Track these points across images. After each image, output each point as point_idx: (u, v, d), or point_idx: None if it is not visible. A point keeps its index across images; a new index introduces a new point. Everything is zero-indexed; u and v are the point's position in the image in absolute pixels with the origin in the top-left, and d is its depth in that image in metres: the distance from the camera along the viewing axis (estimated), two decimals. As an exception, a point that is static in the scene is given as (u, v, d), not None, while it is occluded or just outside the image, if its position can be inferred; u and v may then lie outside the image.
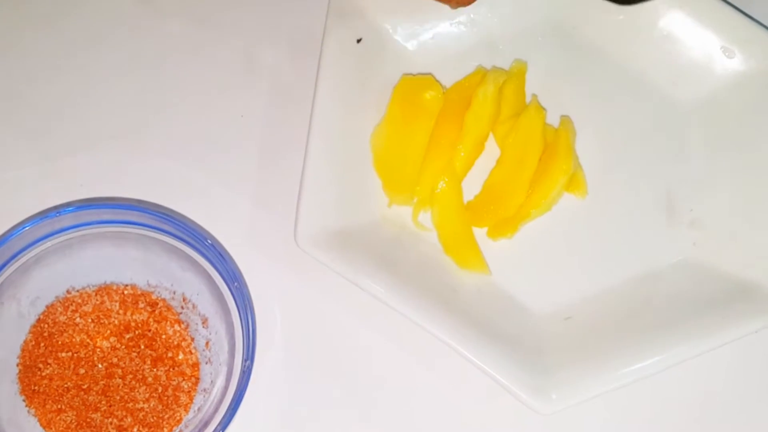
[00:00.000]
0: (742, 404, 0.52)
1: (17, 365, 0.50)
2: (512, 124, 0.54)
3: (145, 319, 0.51)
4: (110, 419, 0.49)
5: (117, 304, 0.52)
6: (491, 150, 0.55)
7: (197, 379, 0.51)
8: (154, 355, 0.51)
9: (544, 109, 0.55)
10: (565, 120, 0.55)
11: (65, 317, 0.51)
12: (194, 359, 0.51)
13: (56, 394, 0.50)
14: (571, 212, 0.55)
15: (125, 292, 0.52)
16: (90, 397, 0.50)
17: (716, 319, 0.50)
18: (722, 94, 0.55)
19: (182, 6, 0.59)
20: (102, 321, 0.51)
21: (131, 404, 0.49)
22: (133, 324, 0.51)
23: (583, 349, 0.50)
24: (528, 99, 0.56)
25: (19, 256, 0.49)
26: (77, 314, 0.51)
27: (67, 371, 0.50)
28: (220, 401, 0.47)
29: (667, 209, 0.55)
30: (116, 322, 0.51)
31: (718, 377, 0.52)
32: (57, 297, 0.52)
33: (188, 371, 0.51)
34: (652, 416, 0.52)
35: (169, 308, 0.52)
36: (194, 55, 0.58)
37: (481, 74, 0.55)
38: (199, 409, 0.50)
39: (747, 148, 0.54)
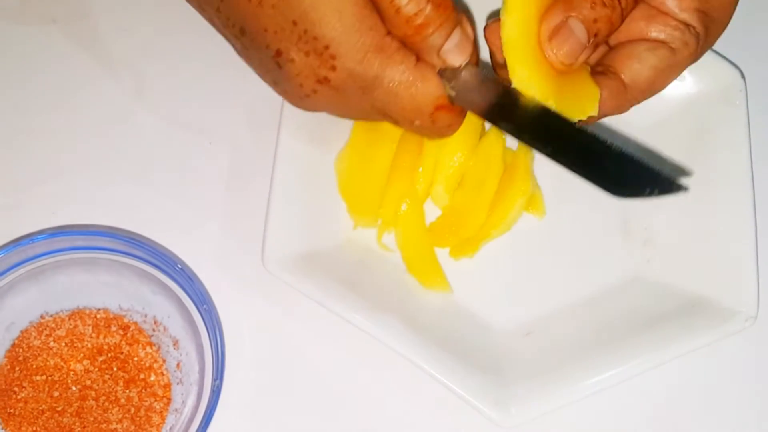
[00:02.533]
0: (697, 414, 0.53)
1: (-7, 389, 0.51)
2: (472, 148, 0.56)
3: (117, 342, 0.52)
4: (84, 440, 0.50)
5: (90, 327, 0.52)
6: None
7: (169, 399, 0.51)
8: (127, 376, 0.51)
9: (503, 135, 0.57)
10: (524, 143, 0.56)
11: (39, 341, 0.52)
12: (166, 380, 0.52)
13: (31, 416, 0.50)
14: (530, 232, 0.56)
15: (98, 316, 0.53)
16: (64, 419, 0.50)
17: (670, 333, 0.51)
18: (673, 116, 0.56)
19: (151, 37, 0.60)
20: (75, 345, 0.52)
21: (105, 425, 0.50)
22: (105, 347, 0.52)
23: (542, 364, 0.51)
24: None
25: (-7, 282, 0.49)
26: (51, 338, 0.52)
27: (41, 394, 0.51)
28: (191, 420, 0.48)
29: (622, 228, 0.56)
30: (89, 345, 0.52)
31: (674, 388, 0.54)
32: (31, 322, 0.52)
33: (160, 392, 0.51)
34: (611, 428, 0.53)
35: (140, 331, 0.53)
36: (163, 85, 0.59)
37: (440, 100, 0.56)
38: (171, 428, 0.50)
39: (697, 167, 0.55)
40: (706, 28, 0.47)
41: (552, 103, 0.43)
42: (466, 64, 0.44)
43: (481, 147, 0.55)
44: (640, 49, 0.47)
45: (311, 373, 0.53)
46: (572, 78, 0.46)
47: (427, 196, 0.56)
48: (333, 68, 0.43)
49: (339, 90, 0.44)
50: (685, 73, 0.55)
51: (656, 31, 0.47)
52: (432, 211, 0.56)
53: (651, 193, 0.43)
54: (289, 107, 0.53)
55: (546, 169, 0.56)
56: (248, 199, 0.56)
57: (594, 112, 0.46)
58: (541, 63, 0.44)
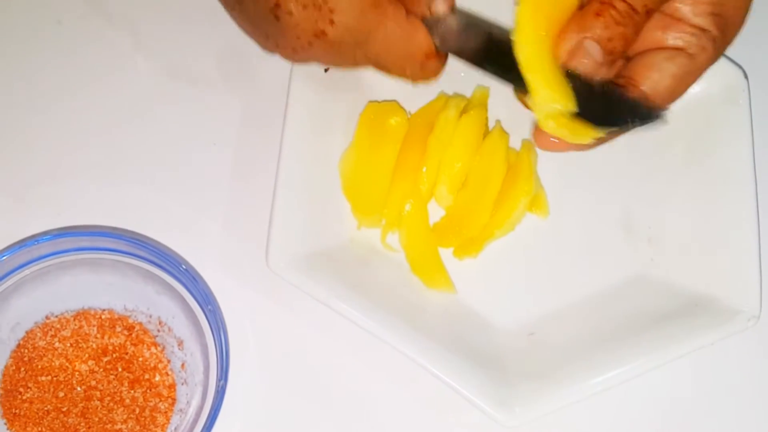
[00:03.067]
0: (700, 413, 0.54)
1: (-2, 390, 0.51)
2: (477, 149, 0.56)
3: (122, 342, 0.52)
4: (89, 440, 0.50)
5: (95, 328, 0.52)
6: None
7: (173, 399, 0.51)
8: (132, 377, 0.51)
9: (507, 133, 0.57)
10: (527, 143, 0.56)
11: (44, 342, 0.52)
12: (170, 380, 0.52)
13: (37, 417, 0.50)
14: (534, 232, 0.56)
15: (103, 316, 0.53)
16: (69, 420, 0.50)
17: (673, 333, 0.51)
18: (676, 116, 0.56)
19: (155, 39, 0.60)
20: (80, 345, 0.52)
21: (110, 426, 0.50)
22: (110, 347, 0.52)
23: (545, 364, 0.52)
24: (492, 124, 0.57)
25: (-2, 283, 0.49)
26: (56, 339, 0.52)
27: (47, 394, 0.51)
28: (196, 420, 0.48)
29: (625, 227, 0.56)
30: (94, 345, 0.52)
31: (677, 388, 0.54)
32: (36, 323, 0.52)
33: (165, 392, 0.51)
34: (614, 427, 0.53)
35: (145, 331, 0.53)
36: (167, 86, 0.59)
37: (444, 100, 0.56)
38: (175, 429, 0.50)
39: (700, 167, 0.55)
40: (722, 31, 0.48)
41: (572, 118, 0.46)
42: (448, 14, 0.48)
43: (484, 147, 0.55)
44: (659, 58, 0.47)
45: (315, 372, 0.53)
46: None
47: (431, 196, 0.56)
48: (331, 22, 0.45)
49: (334, 44, 0.47)
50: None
51: (673, 39, 0.47)
52: (436, 212, 0.56)
53: (633, 123, 0.46)
54: (293, 108, 0.54)
55: (549, 170, 0.56)
56: (252, 199, 0.56)
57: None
58: (560, 80, 0.46)
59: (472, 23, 0.49)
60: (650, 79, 0.47)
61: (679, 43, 0.47)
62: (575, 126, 0.47)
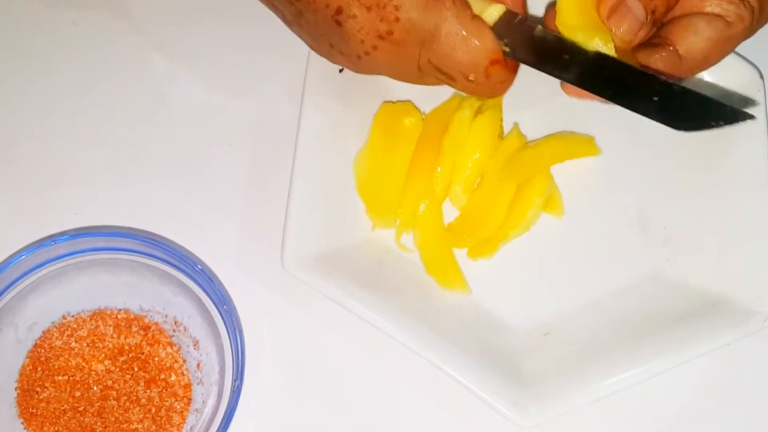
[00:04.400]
0: (717, 414, 0.53)
1: (15, 389, 0.51)
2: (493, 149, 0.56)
3: (138, 342, 0.52)
4: (106, 440, 0.51)
5: (111, 328, 0.53)
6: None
7: (189, 399, 0.52)
8: (148, 377, 0.52)
9: (524, 135, 0.57)
10: (541, 144, 0.57)
11: (61, 342, 0.52)
12: (186, 380, 0.52)
13: (53, 416, 0.51)
14: (549, 232, 0.56)
15: (119, 316, 0.53)
16: (86, 419, 0.51)
17: (689, 333, 0.51)
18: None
19: (171, 39, 0.61)
20: (97, 345, 0.52)
21: (126, 425, 0.50)
22: (126, 347, 0.52)
23: (561, 364, 0.51)
24: (510, 125, 0.57)
25: (16, 283, 0.50)
26: (73, 339, 0.52)
27: (63, 394, 0.51)
28: (212, 420, 0.48)
29: (641, 227, 0.56)
30: (110, 345, 0.52)
31: (693, 388, 0.54)
32: (53, 322, 0.53)
33: (180, 392, 0.52)
34: (627, 428, 0.53)
35: (161, 331, 0.53)
36: (183, 87, 0.59)
37: (458, 100, 0.56)
38: (191, 428, 0.51)
39: (715, 167, 0.55)
40: (761, 3, 0.48)
41: None
42: (519, 19, 0.47)
43: (500, 148, 0.55)
44: (696, 21, 0.47)
45: (330, 372, 0.53)
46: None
47: (446, 196, 0.56)
48: (397, 20, 0.45)
49: (399, 45, 0.46)
50: (704, 72, 0.56)
51: (711, 6, 0.47)
52: (450, 212, 0.56)
53: (717, 125, 0.45)
54: (308, 109, 0.54)
55: (564, 170, 0.56)
56: (268, 199, 0.56)
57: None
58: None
59: (543, 32, 0.48)
60: (686, 41, 0.47)
61: (718, 10, 0.47)
62: None
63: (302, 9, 0.46)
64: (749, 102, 0.55)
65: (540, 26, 0.49)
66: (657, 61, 0.47)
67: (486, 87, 0.48)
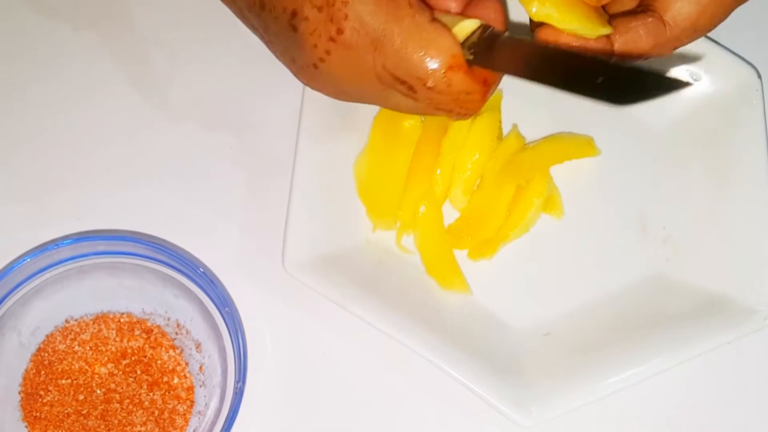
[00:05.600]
0: (717, 412, 0.54)
1: (19, 393, 0.52)
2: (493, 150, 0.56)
3: (141, 345, 0.53)
4: (109, 443, 0.51)
5: (114, 331, 0.53)
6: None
7: (192, 401, 0.52)
8: (150, 379, 0.52)
9: (523, 137, 0.57)
10: (540, 145, 0.57)
11: (64, 346, 0.52)
12: (189, 383, 0.52)
13: (57, 419, 0.51)
14: (549, 232, 0.56)
15: (121, 320, 0.53)
16: (89, 422, 0.51)
17: (689, 332, 0.51)
18: (690, 116, 0.57)
19: (171, 44, 0.61)
20: (100, 348, 0.52)
21: (129, 428, 0.51)
22: (129, 350, 0.52)
23: (561, 364, 0.52)
24: (509, 127, 0.57)
25: (19, 288, 0.50)
26: (76, 342, 0.52)
27: (67, 397, 0.51)
28: (214, 422, 0.48)
29: (640, 227, 0.56)
30: (113, 349, 0.52)
31: (694, 387, 0.54)
32: (56, 326, 0.53)
33: (183, 394, 0.52)
34: (630, 427, 0.53)
35: (163, 334, 0.53)
36: (184, 91, 0.59)
37: (457, 103, 0.56)
38: (194, 431, 0.51)
39: (714, 167, 0.55)
40: None
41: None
42: (491, 30, 0.43)
43: (499, 150, 0.56)
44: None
45: (332, 374, 0.54)
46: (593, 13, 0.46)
47: (446, 198, 0.56)
48: (345, 17, 0.42)
49: (351, 47, 0.43)
50: (702, 72, 0.56)
51: None
52: (450, 214, 0.56)
53: (656, 95, 0.41)
54: (308, 112, 0.54)
55: (564, 170, 0.57)
56: (268, 202, 0.56)
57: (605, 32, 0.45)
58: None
59: (513, 38, 0.44)
60: (672, 7, 0.46)
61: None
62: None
63: (268, 21, 0.45)
64: (747, 102, 0.55)
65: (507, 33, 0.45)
66: (638, 27, 0.45)
67: (449, 98, 0.43)
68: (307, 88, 0.54)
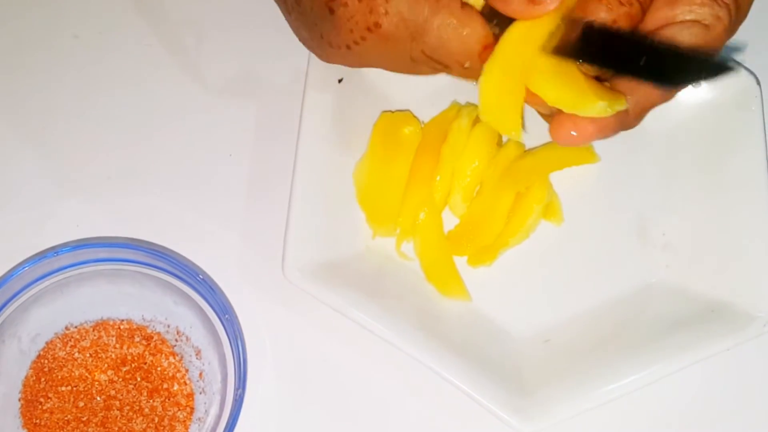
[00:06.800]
0: (716, 419, 0.53)
1: (19, 400, 0.52)
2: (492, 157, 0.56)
3: (140, 352, 0.53)
4: (109, 450, 0.51)
5: (114, 338, 0.53)
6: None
7: (192, 408, 0.52)
8: (150, 386, 0.52)
9: (523, 144, 0.57)
10: (540, 151, 0.56)
11: (64, 353, 0.52)
12: (189, 390, 0.52)
13: (57, 426, 0.51)
14: (548, 239, 0.56)
15: (121, 326, 0.53)
16: (89, 429, 0.51)
17: (689, 339, 0.51)
18: (689, 122, 0.56)
19: (171, 51, 0.61)
20: (99, 355, 0.52)
21: (129, 435, 0.51)
22: (129, 357, 0.53)
23: (561, 370, 0.52)
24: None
25: (19, 295, 0.50)
26: (76, 349, 0.53)
27: (67, 404, 0.51)
28: (214, 429, 0.48)
29: (640, 234, 0.56)
30: (113, 356, 0.52)
31: (693, 393, 0.54)
32: (56, 333, 0.53)
33: (183, 401, 0.52)
34: (630, 433, 0.53)
35: (163, 341, 0.53)
36: (183, 100, 0.60)
37: (456, 109, 0.56)
38: (194, 437, 0.51)
39: (713, 173, 0.55)
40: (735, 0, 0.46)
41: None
42: None
43: (499, 157, 0.56)
44: (673, 32, 0.45)
45: (332, 381, 0.54)
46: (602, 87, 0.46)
47: (445, 204, 0.56)
48: (386, 13, 0.44)
49: (389, 38, 0.46)
50: (701, 79, 0.56)
51: (683, 13, 0.45)
52: (450, 220, 0.56)
53: (703, 78, 0.44)
54: (307, 119, 0.54)
55: (563, 177, 0.57)
56: (268, 209, 0.56)
57: (617, 104, 0.45)
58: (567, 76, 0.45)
59: None
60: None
61: (691, 16, 0.45)
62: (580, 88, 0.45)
63: None
64: (746, 108, 0.55)
65: None
66: (649, 86, 0.46)
67: (480, 73, 0.47)
68: (307, 96, 0.55)
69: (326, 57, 0.50)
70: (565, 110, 0.45)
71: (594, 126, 0.46)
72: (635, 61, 0.43)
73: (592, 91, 0.45)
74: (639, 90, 0.46)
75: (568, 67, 0.45)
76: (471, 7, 0.46)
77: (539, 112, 0.50)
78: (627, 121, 0.47)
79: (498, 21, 0.46)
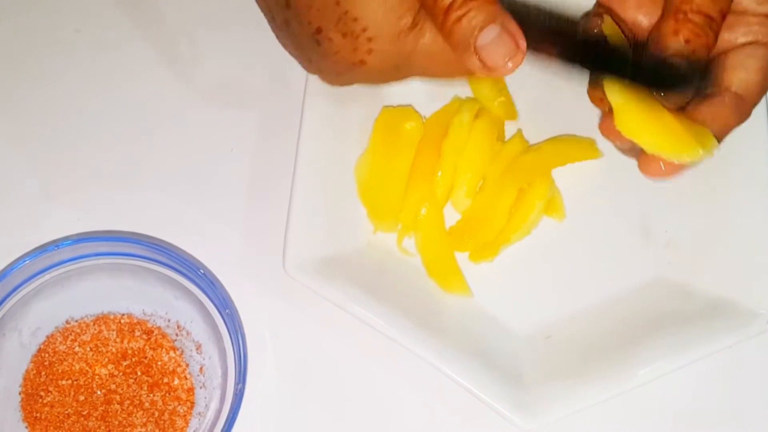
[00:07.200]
0: (719, 416, 0.53)
1: (20, 393, 0.52)
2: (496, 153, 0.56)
3: (141, 346, 0.53)
4: (109, 444, 0.51)
5: (114, 332, 0.53)
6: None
7: (192, 403, 0.52)
8: (151, 381, 0.52)
9: (527, 140, 0.57)
10: (542, 147, 0.56)
11: (65, 346, 0.52)
12: (189, 384, 0.52)
13: (57, 420, 0.51)
14: (550, 235, 0.56)
15: (122, 321, 0.53)
16: (90, 423, 0.51)
17: (691, 336, 0.51)
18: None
19: (173, 47, 0.61)
20: (100, 349, 0.53)
21: (129, 429, 0.51)
22: (130, 351, 0.53)
23: (563, 367, 0.52)
24: (513, 131, 0.57)
25: (19, 288, 0.50)
26: (76, 343, 0.53)
27: (67, 398, 0.51)
28: (214, 424, 0.48)
29: (642, 230, 0.56)
30: (114, 350, 0.53)
31: (695, 391, 0.54)
32: (57, 327, 0.53)
33: (183, 396, 0.52)
34: (632, 430, 0.53)
35: (164, 336, 0.53)
36: (185, 94, 0.60)
37: (458, 104, 0.56)
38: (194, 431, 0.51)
39: (715, 170, 0.55)
40: None
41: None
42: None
43: (502, 153, 0.56)
44: (738, 57, 0.46)
45: (333, 376, 0.54)
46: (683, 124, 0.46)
47: (447, 200, 0.56)
48: (369, 51, 0.45)
49: (373, 71, 0.46)
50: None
51: (743, 35, 0.46)
52: (452, 216, 0.56)
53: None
54: (308, 114, 0.54)
55: (566, 173, 0.56)
56: (269, 204, 0.56)
57: (713, 146, 0.46)
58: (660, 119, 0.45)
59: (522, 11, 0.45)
60: (738, 80, 0.46)
61: (752, 37, 0.46)
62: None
63: (290, 18, 0.46)
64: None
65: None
66: (722, 107, 0.46)
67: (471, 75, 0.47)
68: (308, 93, 0.55)
69: (317, 75, 0.50)
70: (664, 157, 0.45)
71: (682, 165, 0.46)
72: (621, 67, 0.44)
73: (688, 136, 0.45)
74: (719, 119, 0.46)
75: (657, 109, 0.45)
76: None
77: (615, 146, 0.50)
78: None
79: None
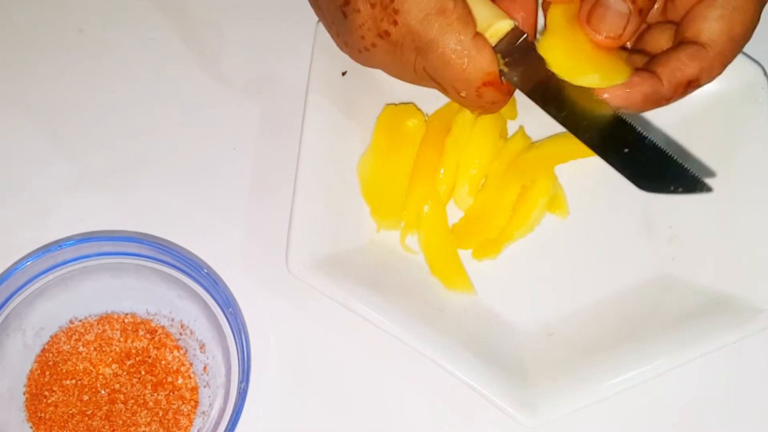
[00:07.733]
0: (722, 413, 0.53)
1: (24, 394, 0.52)
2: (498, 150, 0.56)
3: (145, 346, 0.53)
4: (114, 443, 0.51)
5: (118, 332, 0.53)
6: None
7: (196, 402, 0.52)
8: (155, 380, 0.52)
9: (529, 137, 0.57)
10: (545, 144, 0.56)
11: (69, 346, 0.53)
12: (193, 383, 0.52)
13: (62, 420, 0.51)
14: (554, 232, 0.56)
15: (125, 320, 0.53)
16: (94, 423, 0.51)
17: (695, 332, 0.51)
18: (696, 115, 0.56)
19: (175, 45, 0.61)
20: (104, 349, 0.53)
21: (133, 428, 0.51)
22: (133, 351, 0.53)
23: (566, 364, 0.51)
24: (515, 128, 0.57)
25: (23, 289, 0.50)
26: (80, 343, 0.53)
27: (71, 398, 0.51)
28: (218, 422, 0.48)
29: (646, 226, 0.56)
30: (117, 349, 0.53)
31: (699, 386, 0.54)
32: (60, 327, 0.53)
33: (187, 395, 0.52)
34: (635, 427, 0.53)
35: (167, 335, 0.53)
36: (187, 94, 0.60)
37: (460, 102, 0.56)
38: (198, 431, 0.51)
39: (720, 165, 0.55)
40: None
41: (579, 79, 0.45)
42: (525, 41, 0.46)
43: (505, 150, 0.56)
44: (699, 8, 0.46)
45: (336, 374, 0.54)
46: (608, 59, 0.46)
47: (450, 197, 0.56)
48: (395, 23, 0.45)
49: (396, 46, 0.46)
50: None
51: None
52: (454, 213, 0.56)
53: (675, 191, 0.44)
54: (311, 112, 0.54)
55: (569, 170, 0.56)
56: (272, 202, 0.56)
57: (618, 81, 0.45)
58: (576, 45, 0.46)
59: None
60: (700, 30, 0.46)
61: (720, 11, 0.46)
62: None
63: None
64: (753, 100, 0.55)
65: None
66: (679, 55, 0.46)
67: (476, 104, 0.47)
68: (310, 90, 0.55)
69: (342, 49, 0.51)
70: (559, 75, 0.46)
71: (620, 96, 0.46)
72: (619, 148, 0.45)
73: (591, 63, 0.45)
74: (671, 62, 0.46)
75: (579, 37, 0.46)
76: (483, 39, 0.45)
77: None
78: (661, 93, 0.46)
79: (512, 60, 0.46)
